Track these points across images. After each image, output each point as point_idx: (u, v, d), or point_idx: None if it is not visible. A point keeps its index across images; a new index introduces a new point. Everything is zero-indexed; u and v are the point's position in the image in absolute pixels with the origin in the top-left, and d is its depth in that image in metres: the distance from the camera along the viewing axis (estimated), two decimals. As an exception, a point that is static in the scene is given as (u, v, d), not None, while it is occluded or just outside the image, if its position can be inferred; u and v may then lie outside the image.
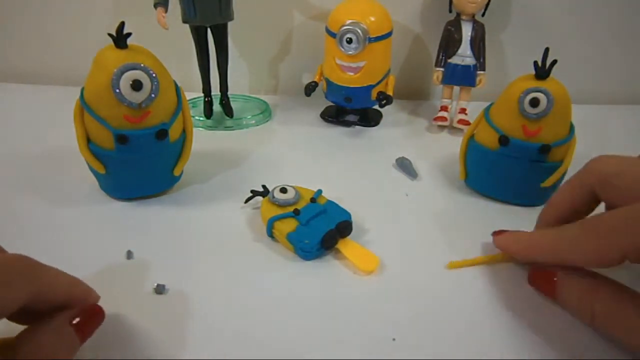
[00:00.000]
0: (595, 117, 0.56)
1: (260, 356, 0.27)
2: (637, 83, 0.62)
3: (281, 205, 0.36)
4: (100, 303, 0.27)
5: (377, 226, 0.37)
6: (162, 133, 0.36)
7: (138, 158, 0.37)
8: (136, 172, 0.38)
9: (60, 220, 0.38)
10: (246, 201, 0.39)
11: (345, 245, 0.34)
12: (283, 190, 0.36)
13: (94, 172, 0.38)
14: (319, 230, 0.34)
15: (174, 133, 0.38)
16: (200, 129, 0.52)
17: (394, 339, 0.28)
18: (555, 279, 0.29)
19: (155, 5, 0.45)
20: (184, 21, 0.48)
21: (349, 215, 0.36)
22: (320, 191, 0.37)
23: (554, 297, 0.30)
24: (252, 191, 0.38)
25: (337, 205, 0.36)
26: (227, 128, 0.53)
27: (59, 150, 0.45)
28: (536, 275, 0.31)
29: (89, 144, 0.37)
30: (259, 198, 0.38)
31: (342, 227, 0.34)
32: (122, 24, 0.35)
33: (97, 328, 0.26)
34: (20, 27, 0.60)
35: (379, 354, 0.27)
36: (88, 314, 0.26)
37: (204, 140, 0.47)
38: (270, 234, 0.35)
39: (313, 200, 0.36)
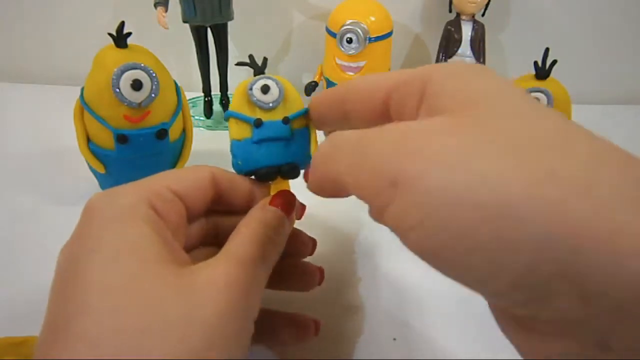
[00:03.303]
0: (595, 117, 0.56)
1: (260, 356, 0.27)
2: (637, 83, 0.62)
3: (253, 102, 0.28)
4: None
5: (376, 226, 0.37)
6: (162, 133, 0.36)
7: (138, 158, 0.37)
8: (136, 172, 0.38)
9: (61, 220, 0.37)
10: (238, 64, 0.31)
11: (279, 186, 0.28)
12: (265, 89, 0.28)
13: (94, 172, 0.38)
14: (264, 158, 0.27)
15: (174, 133, 0.38)
16: (201, 128, 0.52)
17: (394, 339, 0.28)
18: None
19: (156, 5, 0.45)
20: (184, 21, 0.48)
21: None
22: (304, 111, 0.28)
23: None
24: (250, 57, 0.30)
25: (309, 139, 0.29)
26: (227, 128, 0.52)
27: (59, 150, 0.45)
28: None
29: (89, 143, 0.37)
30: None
31: (286, 170, 0.27)
32: (122, 24, 0.35)
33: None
34: (20, 27, 0.60)
35: (379, 354, 0.27)
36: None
37: (204, 140, 0.47)
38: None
39: (286, 120, 0.28)
